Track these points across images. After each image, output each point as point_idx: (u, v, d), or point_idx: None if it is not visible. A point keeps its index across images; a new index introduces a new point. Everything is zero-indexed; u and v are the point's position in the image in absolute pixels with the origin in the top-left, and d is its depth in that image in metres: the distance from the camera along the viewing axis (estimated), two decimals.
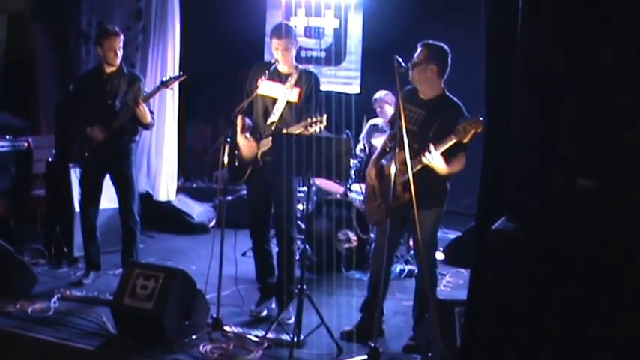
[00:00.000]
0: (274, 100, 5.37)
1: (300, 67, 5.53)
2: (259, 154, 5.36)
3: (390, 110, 7.63)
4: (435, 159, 4.72)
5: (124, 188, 6.19)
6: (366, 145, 7.66)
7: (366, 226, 6.86)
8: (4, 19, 7.83)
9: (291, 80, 5.37)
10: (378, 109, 7.91)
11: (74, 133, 6.19)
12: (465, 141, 4.66)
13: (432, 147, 4.70)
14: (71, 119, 6.30)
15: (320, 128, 5.04)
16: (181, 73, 6.18)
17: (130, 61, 8.39)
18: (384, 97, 7.82)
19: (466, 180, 4.75)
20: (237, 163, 5.43)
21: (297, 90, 5.34)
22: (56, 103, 6.91)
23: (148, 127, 6.20)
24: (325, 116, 5.07)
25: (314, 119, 5.04)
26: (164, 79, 6.21)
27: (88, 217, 6.23)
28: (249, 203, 5.67)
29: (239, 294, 5.62)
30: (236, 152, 5.41)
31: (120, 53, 6.07)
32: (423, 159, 4.71)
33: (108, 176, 6.23)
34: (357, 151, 7.62)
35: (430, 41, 4.93)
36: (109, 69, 6.09)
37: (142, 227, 6.47)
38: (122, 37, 6.10)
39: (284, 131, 5.13)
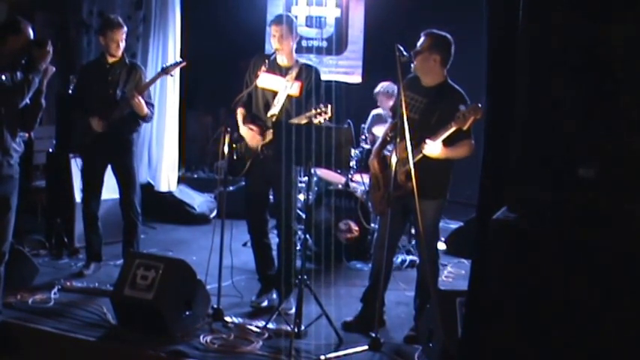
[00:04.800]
0: (274, 93, 5.35)
1: (301, 60, 5.52)
2: (260, 146, 5.34)
3: (387, 103, 7.67)
4: (434, 150, 4.69)
5: (125, 179, 6.17)
6: (368, 135, 7.64)
7: (369, 216, 6.84)
8: (4, 8, 7.80)
9: (292, 74, 5.34)
10: (379, 103, 7.93)
11: (77, 123, 6.16)
12: (465, 127, 4.64)
13: (429, 140, 4.68)
14: (74, 109, 6.28)
15: (325, 119, 5.02)
16: (181, 59, 6.13)
17: (130, 51, 8.35)
18: (381, 91, 7.85)
19: (468, 170, 4.73)
20: (235, 157, 5.41)
21: (298, 84, 5.32)
22: (56, 93, 6.89)
23: (145, 119, 6.16)
24: (330, 107, 5.06)
25: (318, 110, 5.02)
26: (164, 65, 6.19)
27: (90, 208, 6.21)
28: (247, 197, 5.65)
29: (234, 287, 5.61)
30: (234, 145, 5.39)
31: (122, 45, 6.06)
32: (423, 151, 4.69)
33: (109, 167, 6.21)
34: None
35: (434, 30, 4.90)
36: (111, 59, 6.07)
37: (143, 218, 6.46)
38: (125, 28, 6.08)
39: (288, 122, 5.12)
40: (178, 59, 6.11)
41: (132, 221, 6.20)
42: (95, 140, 5.99)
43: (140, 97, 5.94)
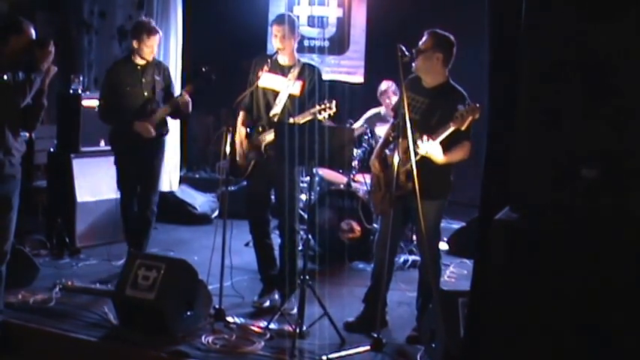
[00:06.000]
0: (276, 93, 5.34)
1: (303, 60, 5.51)
2: (263, 147, 5.32)
3: (395, 100, 7.61)
4: (430, 149, 4.66)
5: (151, 178, 6.14)
6: (369, 134, 7.62)
7: (371, 216, 6.83)
8: (4, 8, 7.81)
9: (294, 72, 5.33)
10: (387, 101, 7.84)
11: (118, 127, 6.08)
12: (462, 128, 4.62)
13: (425, 138, 4.65)
14: (113, 115, 6.10)
15: (330, 114, 5.01)
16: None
17: None
18: (393, 89, 7.77)
19: (470, 171, 4.73)
20: (238, 159, 5.40)
21: (299, 83, 5.31)
22: (57, 92, 6.88)
23: (187, 116, 6.25)
24: (334, 102, 5.05)
25: (323, 106, 5.02)
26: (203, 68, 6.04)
27: (129, 207, 6.18)
28: (249, 198, 5.64)
29: (233, 288, 5.58)
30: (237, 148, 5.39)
31: (155, 51, 6.04)
32: (418, 150, 4.65)
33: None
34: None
35: (437, 30, 4.89)
36: (141, 61, 6.03)
37: None
38: (161, 34, 6.07)
39: (290, 120, 5.11)
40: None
41: (147, 219, 6.14)
42: (135, 141, 5.94)
43: (188, 96, 5.92)
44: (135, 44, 5.99)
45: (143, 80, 6.01)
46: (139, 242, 6.10)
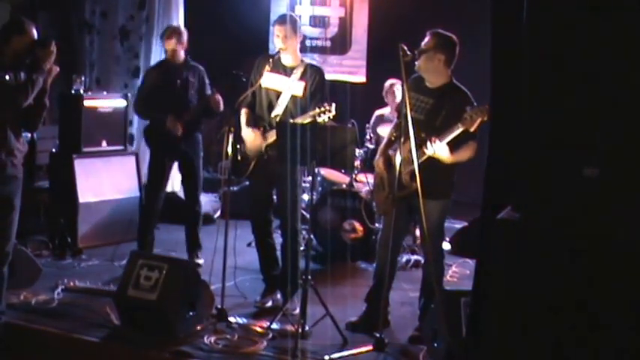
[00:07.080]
0: (278, 94, 5.32)
1: (306, 60, 5.49)
2: (264, 147, 5.32)
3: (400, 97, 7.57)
4: (437, 150, 4.65)
5: (194, 176, 6.40)
6: (372, 135, 7.61)
7: (373, 216, 6.82)
8: (6, 8, 7.81)
9: (297, 73, 5.31)
10: (393, 96, 7.78)
11: (152, 124, 6.33)
12: (472, 129, 4.61)
13: (434, 139, 4.64)
14: (147, 112, 6.39)
15: (329, 117, 5.01)
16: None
17: (133, 51, 8.40)
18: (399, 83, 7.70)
19: (474, 170, 4.72)
20: (239, 158, 5.38)
21: (302, 84, 5.29)
22: (59, 92, 6.87)
23: (217, 115, 6.42)
24: (333, 105, 5.04)
25: (322, 109, 5.01)
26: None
27: (156, 204, 6.36)
28: (251, 198, 5.64)
29: (236, 287, 5.58)
30: (239, 146, 5.36)
31: (178, 53, 6.24)
32: (426, 151, 4.65)
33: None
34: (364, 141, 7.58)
35: (439, 30, 4.87)
36: (175, 62, 6.27)
37: None
38: (174, 40, 6.20)
39: (291, 121, 5.10)
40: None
41: (196, 216, 6.43)
42: (168, 139, 6.13)
43: (219, 95, 6.14)
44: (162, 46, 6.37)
45: (178, 81, 6.22)
46: (193, 239, 6.38)
